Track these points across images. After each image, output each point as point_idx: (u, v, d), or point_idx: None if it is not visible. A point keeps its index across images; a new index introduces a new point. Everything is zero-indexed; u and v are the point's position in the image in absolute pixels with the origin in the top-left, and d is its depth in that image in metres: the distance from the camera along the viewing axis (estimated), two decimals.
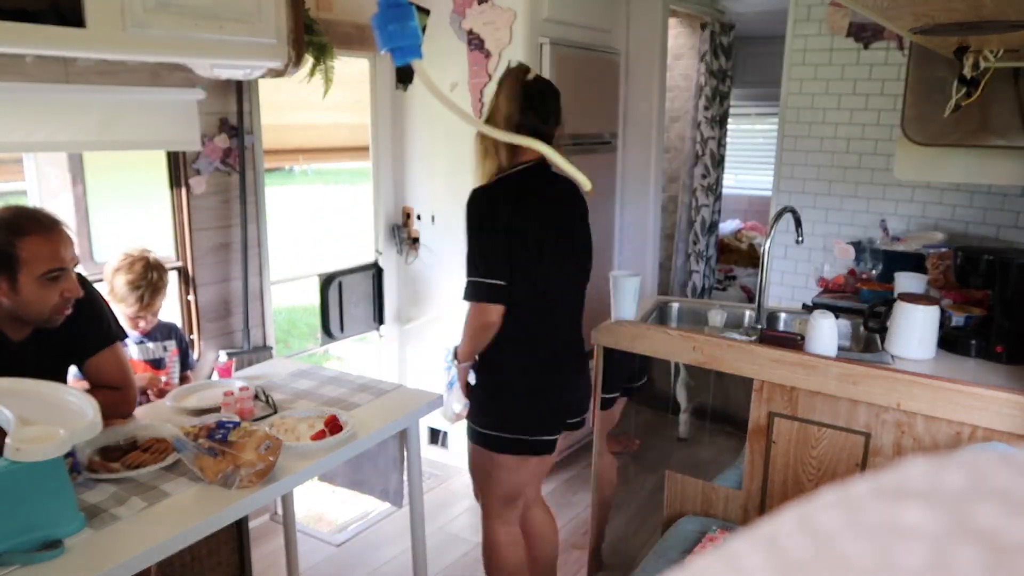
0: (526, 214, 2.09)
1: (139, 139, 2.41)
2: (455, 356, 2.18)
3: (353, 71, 3.26)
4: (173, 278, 2.69)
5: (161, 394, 2.28)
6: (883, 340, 2.10)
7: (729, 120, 4.97)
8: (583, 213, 2.19)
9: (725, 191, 5.25)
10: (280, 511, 2.72)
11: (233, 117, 2.70)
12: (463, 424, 3.43)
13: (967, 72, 2.22)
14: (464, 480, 3.51)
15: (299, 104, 3.12)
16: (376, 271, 3.52)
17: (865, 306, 2.31)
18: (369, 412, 2.08)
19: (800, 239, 2.40)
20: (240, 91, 2.69)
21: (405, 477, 2.27)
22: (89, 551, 1.39)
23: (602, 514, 2.48)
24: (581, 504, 3.23)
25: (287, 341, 5.90)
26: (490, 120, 2.08)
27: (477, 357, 2.14)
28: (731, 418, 2.16)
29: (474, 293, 2.12)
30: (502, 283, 2.07)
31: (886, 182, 3.43)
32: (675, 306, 2.66)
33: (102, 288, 2.21)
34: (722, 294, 5.34)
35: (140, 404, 2.10)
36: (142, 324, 2.35)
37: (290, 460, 1.76)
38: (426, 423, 3.56)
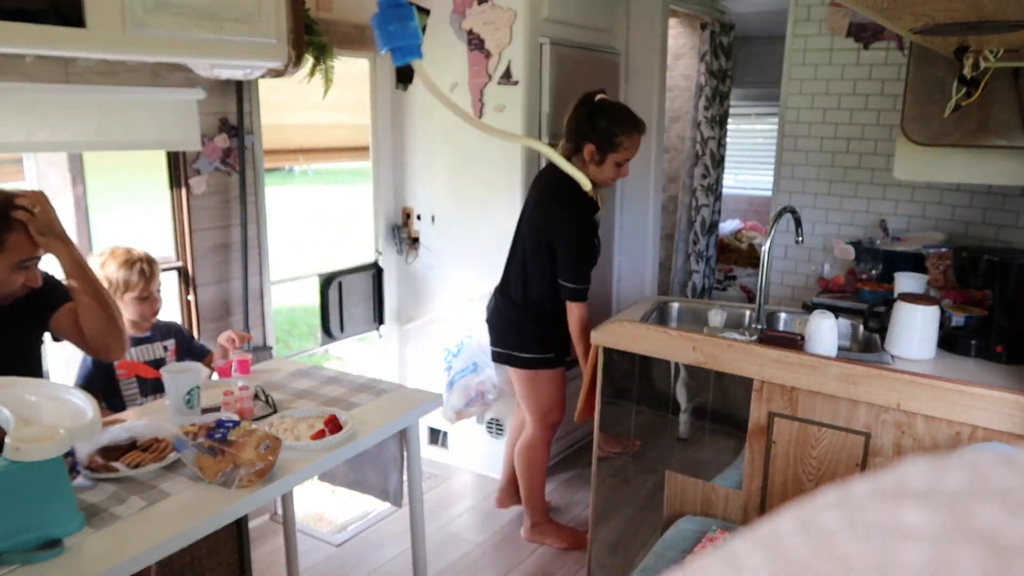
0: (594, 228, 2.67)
1: (139, 139, 2.41)
2: (583, 355, 2.57)
3: (353, 71, 3.26)
4: (173, 278, 2.69)
5: None
6: (883, 340, 2.10)
7: (729, 120, 4.97)
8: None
9: (725, 191, 5.25)
10: (280, 511, 2.72)
11: (233, 117, 2.70)
12: (463, 424, 3.45)
13: (967, 72, 2.22)
14: (464, 480, 3.51)
15: (299, 104, 3.12)
16: (376, 271, 3.52)
17: (865, 306, 2.31)
18: (369, 412, 2.08)
19: (800, 239, 2.40)
20: (240, 91, 2.69)
21: (405, 477, 2.27)
22: (89, 551, 1.39)
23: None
24: (581, 504, 3.23)
25: (287, 341, 5.90)
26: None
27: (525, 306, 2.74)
28: (731, 418, 2.16)
29: (580, 295, 2.60)
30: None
31: (886, 182, 3.43)
32: (675, 306, 2.66)
33: None
34: (722, 294, 5.34)
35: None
36: (156, 305, 2.29)
37: (290, 460, 1.75)
38: (426, 423, 3.56)
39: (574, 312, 2.60)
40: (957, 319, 2.10)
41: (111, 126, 2.31)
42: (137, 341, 2.33)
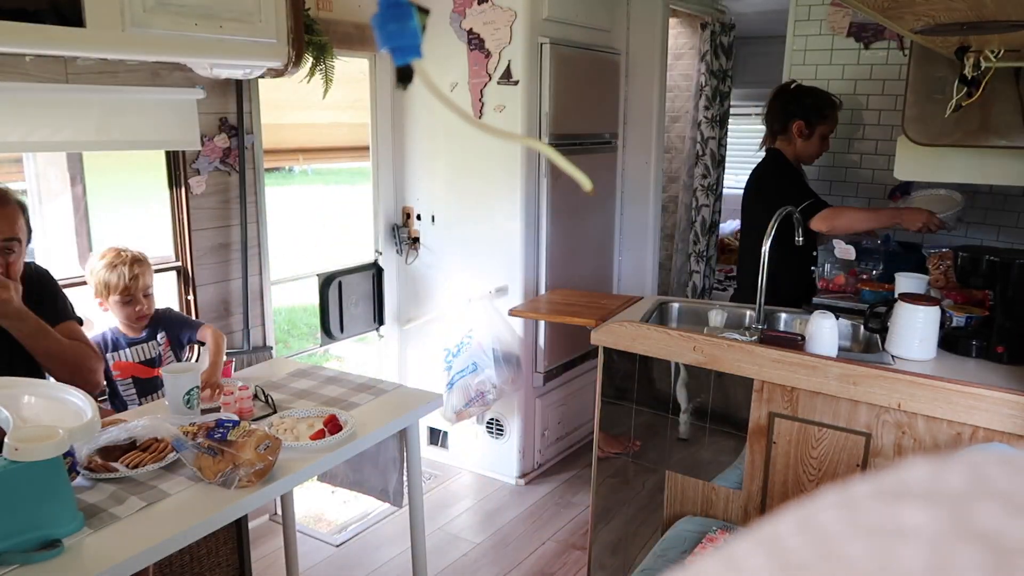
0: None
1: (139, 139, 2.41)
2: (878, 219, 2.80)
3: (353, 71, 3.26)
4: (173, 278, 2.69)
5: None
6: (884, 340, 2.10)
7: (729, 120, 4.97)
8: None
9: (725, 191, 5.25)
10: (280, 511, 2.72)
11: (233, 117, 2.70)
12: (463, 424, 3.45)
13: (968, 72, 2.21)
14: (464, 480, 3.51)
15: (299, 104, 3.12)
16: (376, 271, 3.52)
17: (865, 306, 2.30)
18: (369, 412, 2.08)
19: (800, 239, 2.40)
20: (240, 91, 2.69)
21: (405, 477, 2.27)
22: (88, 551, 1.39)
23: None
24: (581, 504, 3.23)
25: (287, 341, 5.90)
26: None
27: None
28: (731, 418, 2.16)
29: (815, 208, 2.76)
30: None
31: (887, 182, 3.43)
32: (675, 306, 2.66)
33: (89, 293, 2.21)
34: (722, 294, 5.34)
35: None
36: (139, 308, 2.24)
37: (290, 460, 1.75)
38: (426, 423, 3.56)
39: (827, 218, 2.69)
40: (958, 319, 2.10)
41: (110, 126, 2.31)
42: (130, 343, 2.31)
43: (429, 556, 2.44)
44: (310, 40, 2.54)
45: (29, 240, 1.87)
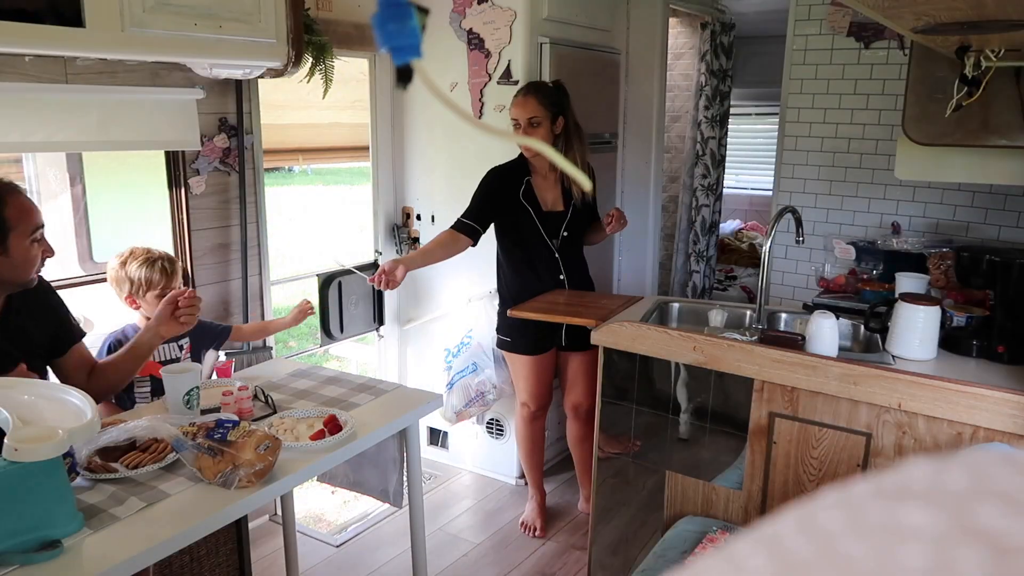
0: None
1: (138, 139, 2.40)
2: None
3: (353, 71, 3.26)
4: None
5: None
6: (884, 340, 2.10)
7: (729, 120, 4.97)
8: None
9: (725, 191, 5.25)
10: (279, 511, 2.72)
11: (232, 117, 2.70)
12: (463, 424, 3.44)
13: (968, 71, 2.21)
14: (464, 480, 3.51)
15: (299, 104, 3.12)
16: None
17: (866, 306, 2.30)
18: (369, 412, 2.08)
19: (800, 239, 2.40)
20: (239, 91, 2.68)
21: (405, 477, 2.27)
22: (87, 551, 1.39)
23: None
24: None
25: (287, 341, 5.90)
26: None
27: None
28: (732, 418, 2.16)
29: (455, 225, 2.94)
30: None
31: (887, 182, 3.43)
32: (675, 306, 2.66)
33: (117, 293, 2.22)
34: (722, 294, 5.34)
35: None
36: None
37: (289, 460, 1.75)
38: (426, 423, 3.56)
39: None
40: (958, 319, 2.10)
41: (110, 126, 2.31)
42: None
43: (429, 556, 2.44)
44: (310, 40, 2.54)
45: None
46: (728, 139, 5.02)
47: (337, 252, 6.28)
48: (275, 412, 2.04)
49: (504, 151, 3.20)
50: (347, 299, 3.35)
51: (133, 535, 1.43)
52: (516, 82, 3.10)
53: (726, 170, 5.12)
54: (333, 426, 1.91)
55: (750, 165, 6.31)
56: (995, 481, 0.24)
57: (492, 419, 3.46)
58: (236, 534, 2.45)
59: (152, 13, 1.90)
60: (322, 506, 3.28)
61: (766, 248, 2.29)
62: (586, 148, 2.96)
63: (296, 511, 2.69)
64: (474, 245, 2.90)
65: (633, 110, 3.82)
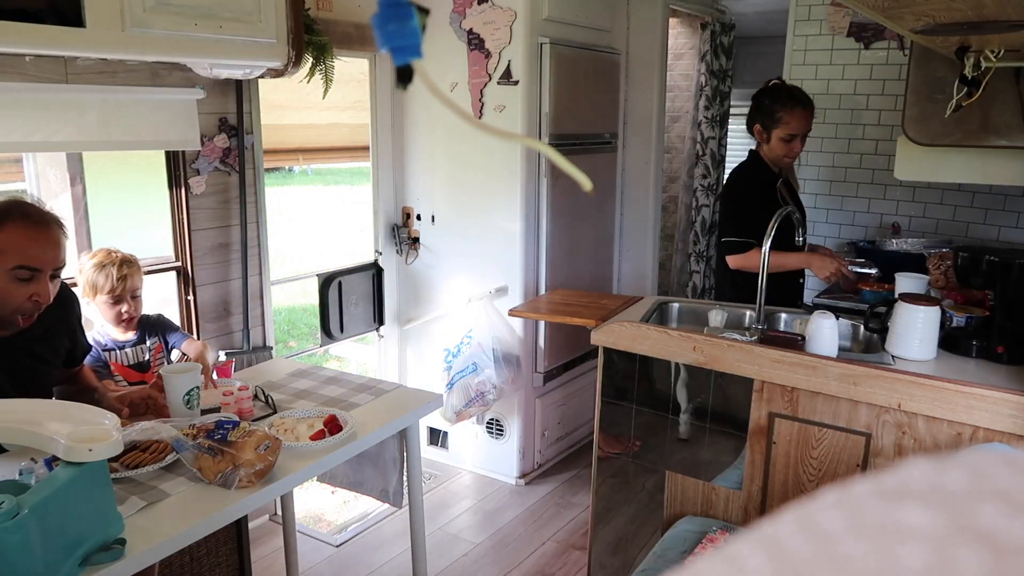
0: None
1: (138, 139, 2.40)
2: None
3: (353, 71, 3.26)
4: (172, 278, 2.69)
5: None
6: (884, 341, 2.10)
7: (729, 120, 4.97)
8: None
9: None
10: (280, 511, 2.72)
11: (233, 117, 2.70)
12: (463, 424, 3.44)
13: (968, 72, 2.21)
14: (464, 480, 3.51)
15: (299, 104, 3.12)
16: (376, 271, 3.52)
17: (866, 307, 2.31)
18: (369, 412, 2.08)
19: (800, 239, 2.40)
20: (240, 91, 2.68)
21: (405, 477, 2.27)
22: None
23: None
24: (581, 504, 3.23)
25: (287, 341, 5.90)
26: None
27: None
28: (731, 418, 2.16)
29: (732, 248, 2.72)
30: None
31: (887, 182, 3.43)
32: (675, 306, 2.66)
33: (78, 291, 2.19)
34: None
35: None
36: (125, 309, 2.21)
37: (289, 460, 1.75)
38: (426, 423, 3.56)
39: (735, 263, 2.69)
40: (958, 319, 2.10)
41: (110, 126, 2.31)
42: (119, 345, 2.29)
43: (429, 556, 2.44)
44: (310, 40, 2.54)
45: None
46: (728, 139, 5.02)
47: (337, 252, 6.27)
48: (275, 412, 2.04)
49: (504, 151, 3.21)
50: (347, 299, 3.35)
51: (134, 535, 1.43)
52: (516, 82, 3.10)
53: (726, 170, 5.12)
54: (333, 426, 1.91)
55: None
56: (995, 481, 0.24)
57: (492, 419, 3.47)
58: (236, 534, 2.46)
59: (152, 13, 1.90)
60: (322, 506, 3.28)
61: (766, 248, 2.29)
62: None
63: (296, 511, 2.69)
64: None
65: (633, 110, 3.82)
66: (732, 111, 5.04)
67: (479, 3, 3.12)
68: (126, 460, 1.67)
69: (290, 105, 3.12)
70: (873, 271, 2.97)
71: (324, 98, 2.77)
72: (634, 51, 3.76)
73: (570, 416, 3.71)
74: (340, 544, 2.97)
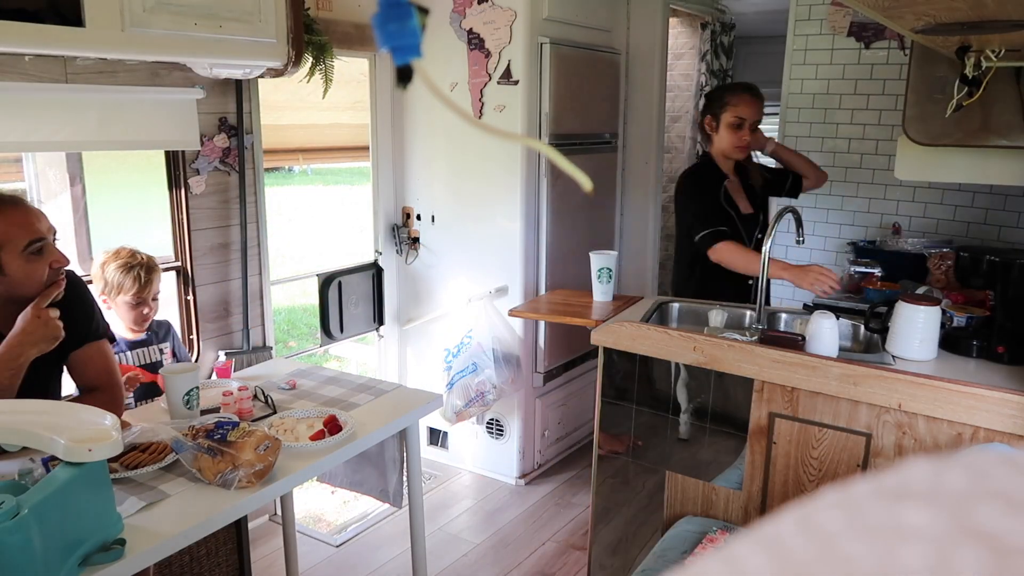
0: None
1: (138, 139, 2.40)
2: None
3: (353, 71, 3.26)
4: (172, 278, 2.69)
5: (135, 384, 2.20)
6: (884, 341, 2.10)
7: None
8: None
9: None
10: (279, 512, 2.72)
11: (232, 117, 2.70)
12: (463, 424, 3.44)
13: (969, 72, 2.21)
14: (464, 480, 3.51)
15: (299, 104, 3.12)
16: (376, 271, 3.52)
17: (866, 306, 2.30)
18: (369, 412, 2.08)
19: (801, 239, 2.40)
20: (239, 91, 2.68)
21: (405, 477, 2.27)
22: None
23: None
24: (581, 504, 3.23)
25: (287, 341, 5.90)
26: None
27: None
28: (732, 418, 2.16)
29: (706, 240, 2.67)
30: None
31: (887, 182, 3.43)
32: (675, 306, 2.66)
33: (95, 289, 2.18)
34: None
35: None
36: (146, 311, 2.26)
37: (289, 460, 1.75)
38: (426, 423, 3.56)
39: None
40: (958, 319, 2.10)
41: (110, 126, 2.31)
42: (132, 345, 2.31)
43: (429, 556, 2.44)
44: (310, 40, 2.54)
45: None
46: None
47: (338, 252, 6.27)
48: (275, 412, 2.04)
49: (504, 151, 3.21)
50: (347, 299, 3.35)
51: (133, 535, 1.43)
52: (516, 82, 3.10)
53: None
54: (333, 426, 1.91)
55: None
56: (995, 481, 0.24)
57: (492, 419, 3.47)
58: (236, 534, 2.46)
59: (152, 13, 1.89)
60: (322, 506, 3.28)
61: (766, 248, 2.29)
62: None
63: (296, 511, 2.69)
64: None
65: (633, 110, 3.82)
66: None
67: (479, 3, 3.12)
68: (126, 460, 1.67)
69: (290, 105, 3.12)
70: (876, 271, 2.97)
71: (324, 98, 2.77)
72: (634, 51, 3.76)
73: (570, 416, 3.71)
74: (340, 544, 2.97)
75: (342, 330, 3.36)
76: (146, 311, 2.27)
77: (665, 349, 2.19)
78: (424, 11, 0.67)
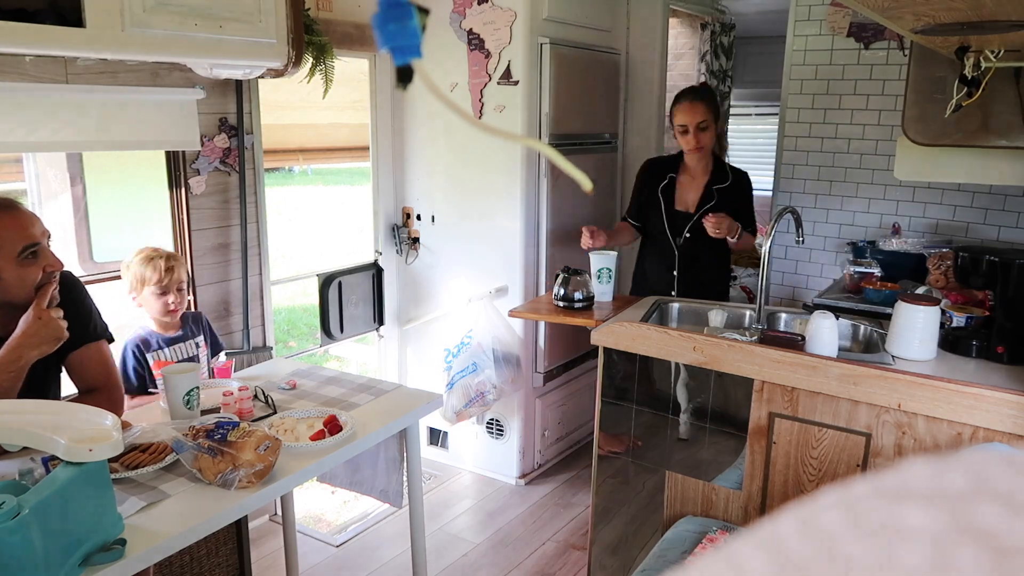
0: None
1: (138, 139, 2.40)
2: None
3: (353, 71, 3.26)
4: None
5: None
6: (884, 341, 2.10)
7: (729, 120, 4.97)
8: None
9: None
10: (279, 512, 2.72)
11: (233, 117, 2.70)
12: (463, 424, 3.44)
13: (968, 72, 2.21)
14: (464, 480, 3.51)
15: (299, 104, 3.12)
16: (376, 271, 3.52)
17: (867, 306, 2.31)
18: (369, 412, 2.08)
19: (800, 239, 2.40)
20: (240, 91, 2.68)
21: (405, 477, 2.27)
22: None
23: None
24: (581, 504, 3.23)
25: (287, 341, 5.90)
26: None
27: None
28: (731, 418, 2.16)
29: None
30: None
31: (887, 182, 3.43)
32: (675, 306, 2.66)
33: (122, 288, 2.21)
34: None
35: None
36: (172, 300, 2.26)
37: (289, 460, 1.75)
38: (426, 423, 3.56)
39: None
40: (958, 319, 2.10)
41: (110, 126, 2.31)
42: (169, 341, 2.33)
43: (429, 556, 2.44)
44: (310, 40, 2.54)
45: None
46: (728, 139, 5.02)
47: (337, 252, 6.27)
48: (275, 412, 2.04)
49: (504, 151, 3.21)
50: (347, 299, 3.35)
51: (133, 535, 1.43)
52: (516, 82, 3.10)
53: None
54: (333, 426, 1.91)
55: (750, 165, 6.29)
56: (995, 481, 0.24)
57: (492, 419, 3.46)
58: (236, 534, 2.46)
59: (152, 13, 1.89)
60: (322, 506, 3.28)
61: (766, 248, 2.29)
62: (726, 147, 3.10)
63: (296, 511, 2.69)
64: (639, 236, 3.11)
65: (633, 110, 3.82)
66: (732, 111, 5.04)
67: (479, 3, 3.12)
68: (126, 460, 1.67)
69: (290, 105, 3.12)
70: (875, 271, 2.97)
71: (324, 98, 2.77)
72: (634, 51, 3.76)
73: (570, 416, 3.71)
74: (340, 544, 2.97)
75: (342, 330, 3.36)
76: (172, 300, 2.27)
77: (665, 349, 2.19)
78: (424, 11, 0.67)
